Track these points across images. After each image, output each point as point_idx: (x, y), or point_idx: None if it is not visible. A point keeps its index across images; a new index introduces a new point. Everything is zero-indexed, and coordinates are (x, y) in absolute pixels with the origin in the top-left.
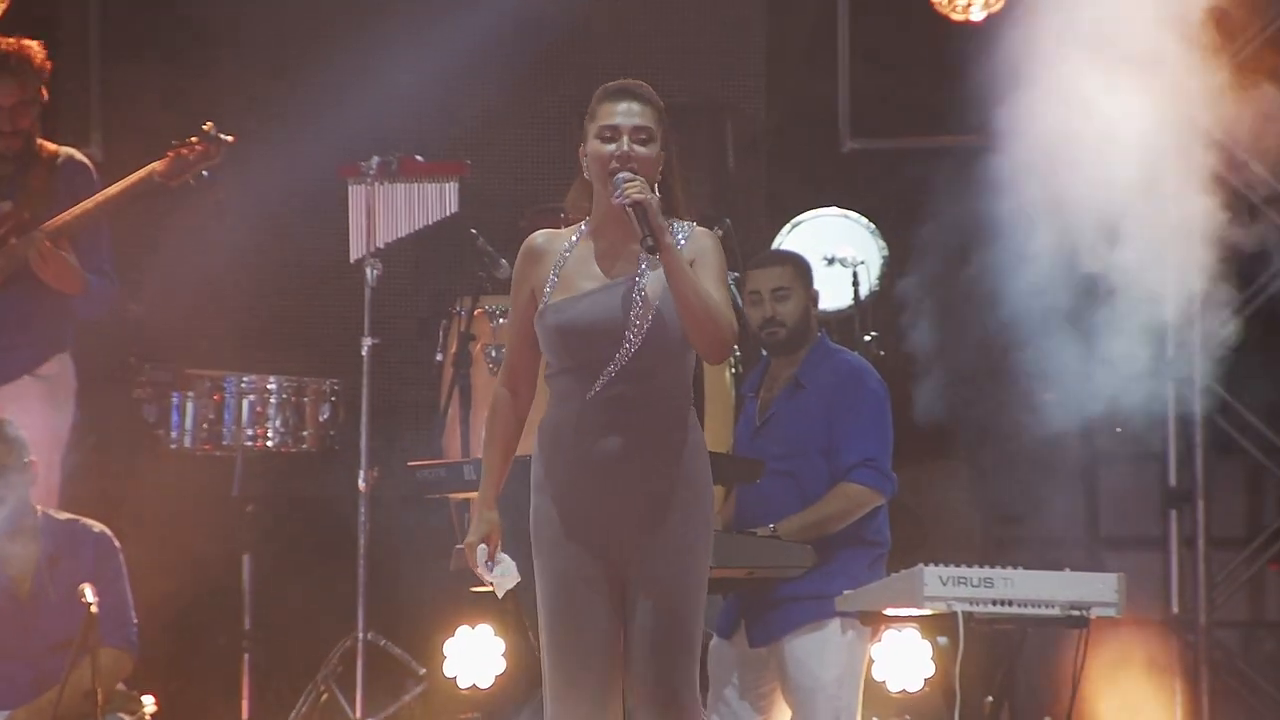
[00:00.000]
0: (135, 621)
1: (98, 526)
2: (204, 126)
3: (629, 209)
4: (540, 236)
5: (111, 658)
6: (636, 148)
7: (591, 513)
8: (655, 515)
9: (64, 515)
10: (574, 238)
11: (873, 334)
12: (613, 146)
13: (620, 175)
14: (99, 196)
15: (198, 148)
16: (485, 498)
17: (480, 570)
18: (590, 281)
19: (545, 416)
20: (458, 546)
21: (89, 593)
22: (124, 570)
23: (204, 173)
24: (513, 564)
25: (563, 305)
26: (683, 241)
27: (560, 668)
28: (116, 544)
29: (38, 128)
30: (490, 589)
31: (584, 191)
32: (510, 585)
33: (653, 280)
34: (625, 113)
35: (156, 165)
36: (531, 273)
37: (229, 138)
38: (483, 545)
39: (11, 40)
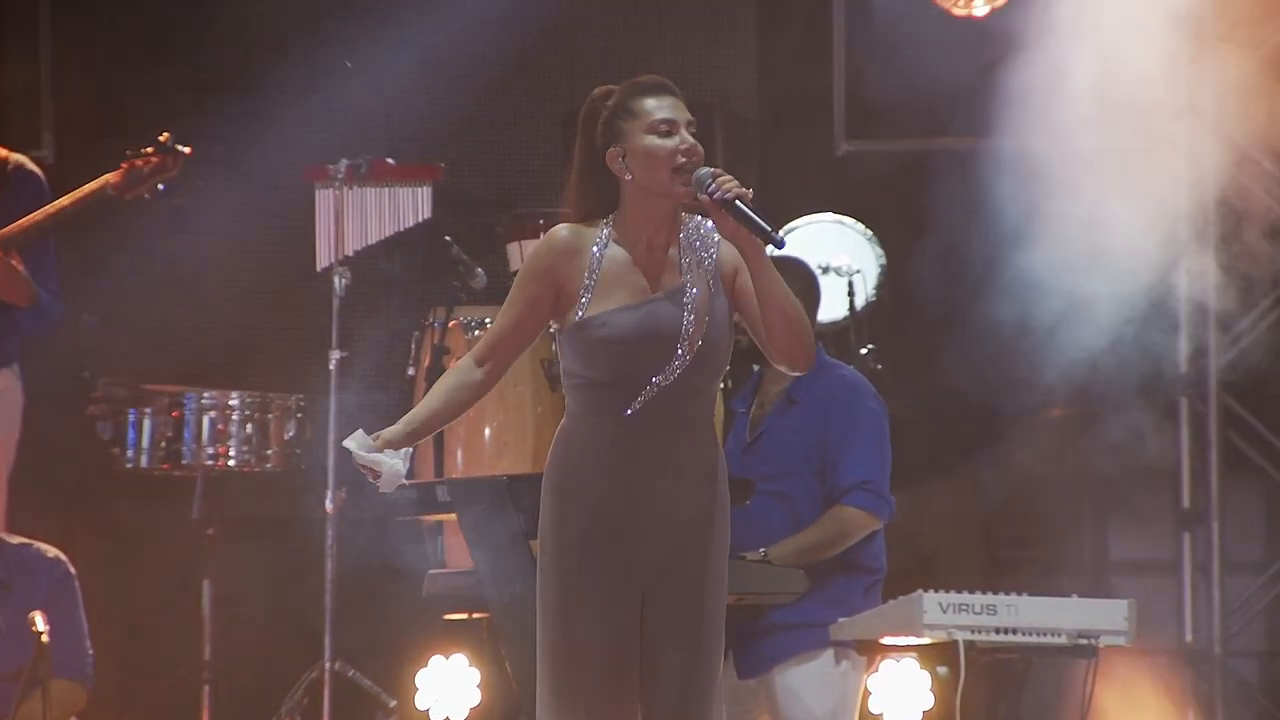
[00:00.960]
0: (90, 652)
1: (52, 551)
2: (160, 138)
3: (730, 205)
4: (566, 230)
5: (64, 690)
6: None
7: (620, 532)
8: (689, 539)
9: (16, 539)
10: (602, 238)
11: (870, 346)
12: (675, 140)
13: (705, 170)
14: (49, 207)
15: (153, 160)
16: (397, 425)
17: (355, 447)
18: (632, 292)
19: (568, 429)
20: (431, 571)
21: (40, 621)
22: (79, 598)
23: (160, 186)
24: (401, 468)
25: (608, 317)
26: (716, 233)
27: (567, 692)
28: (72, 570)
29: None
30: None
31: (595, 192)
32: (391, 486)
33: (701, 292)
34: (674, 106)
35: (110, 177)
36: (558, 268)
37: (186, 149)
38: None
39: None
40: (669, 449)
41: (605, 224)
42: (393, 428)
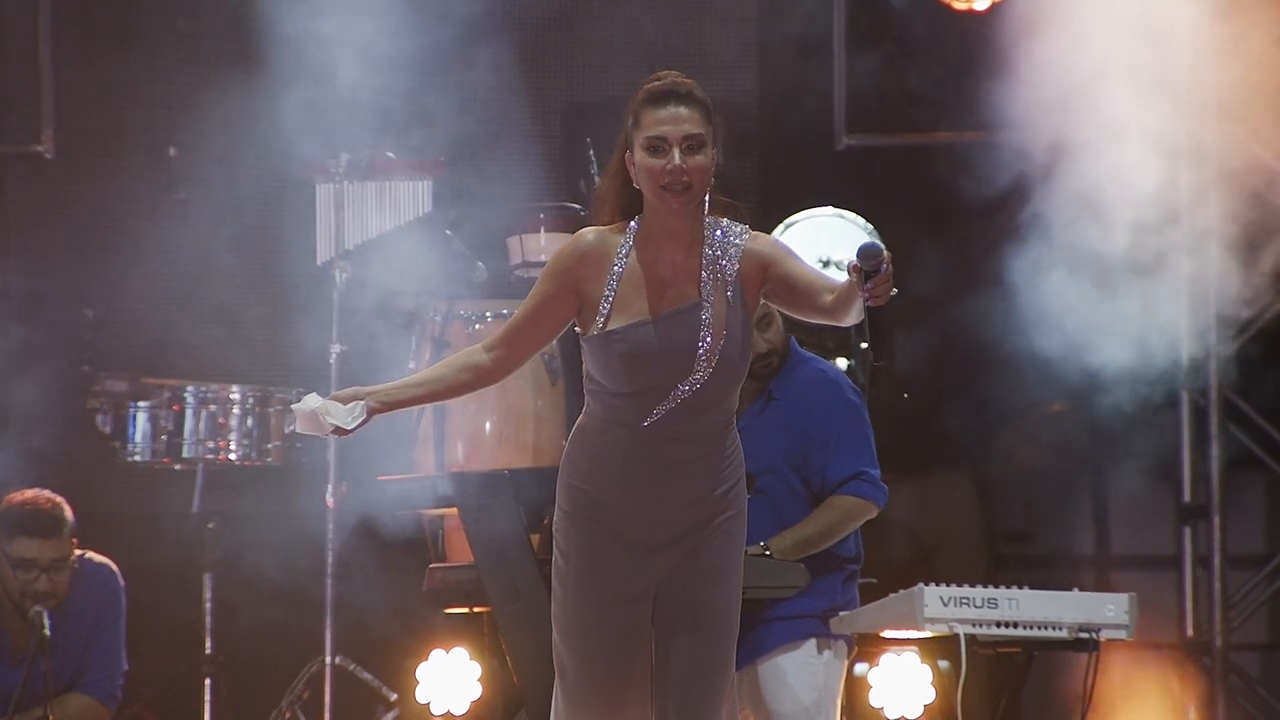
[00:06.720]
0: (124, 669)
1: (100, 559)
2: None
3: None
4: (592, 235)
5: (87, 708)
6: (688, 159)
7: (630, 534)
8: (701, 542)
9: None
10: (625, 245)
11: (869, 341)
12: (663, 161)
13: (877, 251)
14: None
15: None
16: (385, 386)
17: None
18: (650, 305)
19: (586, 429)
20: (431, 565)
21: (44, 615)
22: (123, 612)
23: None
24: (356, 414)
25: (626, 333)
26: (743, 239)
27: (579, 689)
28: (121, 581)
29: None
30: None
31: (618, 192)
32: (312, 428)
33: (718, 306)
34: (673, 119)
35: None
36: (580, 273)
37: None
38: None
39: None
40: (683, 458)
41: (629, 231)
42: (381, 385)
